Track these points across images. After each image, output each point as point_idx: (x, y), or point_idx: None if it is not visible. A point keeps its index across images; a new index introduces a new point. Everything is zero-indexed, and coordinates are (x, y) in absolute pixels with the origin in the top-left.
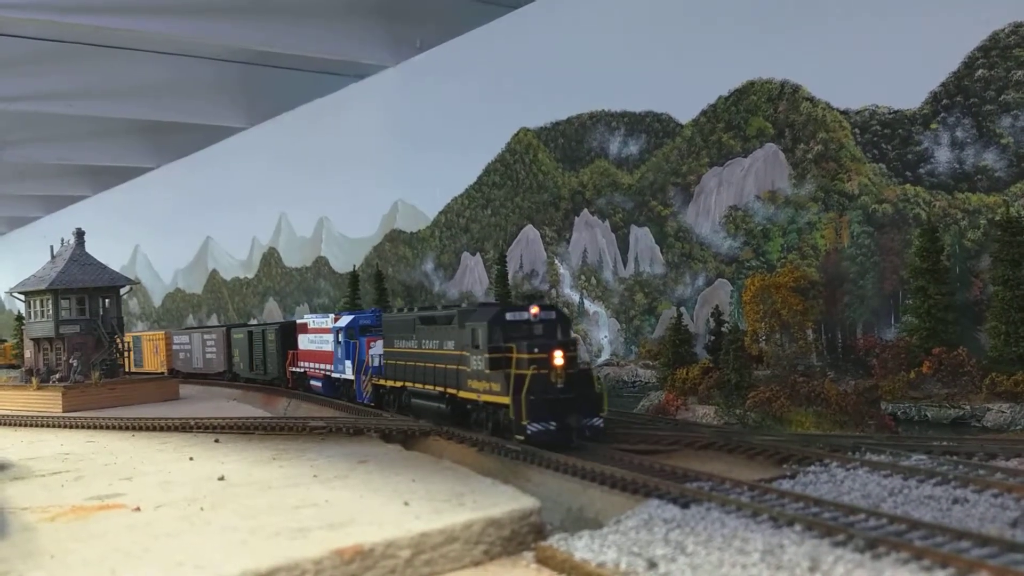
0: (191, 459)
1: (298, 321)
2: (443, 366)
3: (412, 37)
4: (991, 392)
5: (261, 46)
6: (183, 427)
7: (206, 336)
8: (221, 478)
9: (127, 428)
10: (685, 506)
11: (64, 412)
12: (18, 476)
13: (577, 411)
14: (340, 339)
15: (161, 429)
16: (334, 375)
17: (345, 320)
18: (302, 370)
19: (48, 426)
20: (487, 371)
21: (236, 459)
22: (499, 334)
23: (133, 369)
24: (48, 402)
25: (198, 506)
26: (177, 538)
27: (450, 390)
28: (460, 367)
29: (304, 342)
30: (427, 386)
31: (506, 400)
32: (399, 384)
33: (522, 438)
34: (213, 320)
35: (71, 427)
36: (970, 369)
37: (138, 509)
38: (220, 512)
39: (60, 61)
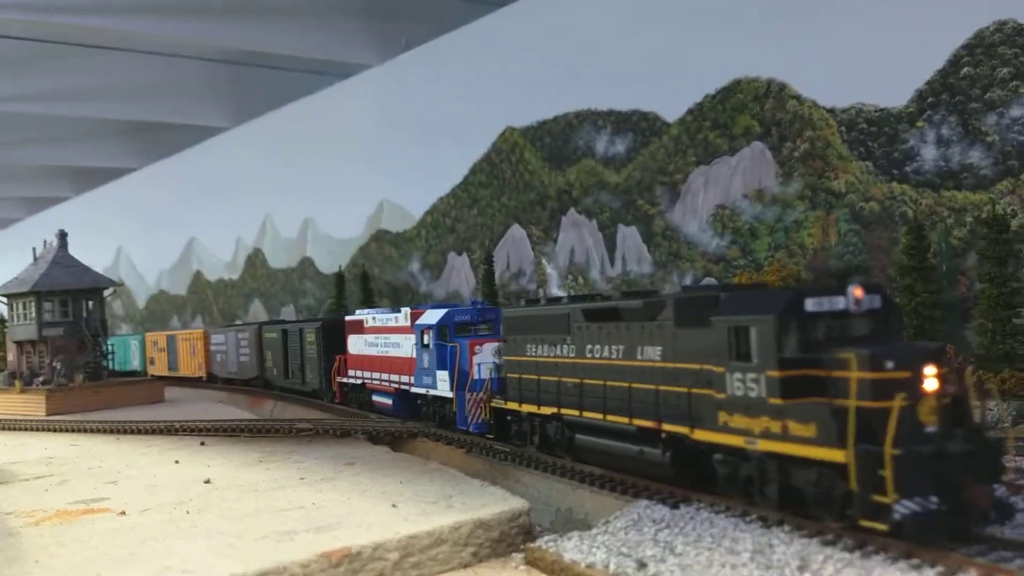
0: (177, 462)
1: (348, 318)
2: (643, 386)
3: (397, 36)
4: (978, 389)
5: (245, 45)
6: (168, 430)
7: (240, 335)
8: (207, 481)
9: (112, 431)
10: (674, 506)
11: (48, 415)
12: (1, 480)
13: (975, 475)
14: (427, 341)
15: (146, 432)
16: (415, 389)
17: (433, 316)
18: (358, 381)
19: (31, 430)
20: (776, 401)
21: (222, 462)
22: (796, 336)
23: (167, 373)
24: (31, 405)
25: (184, 510)
26: (164, 542)
27: (671, 427)
28: (695, 390)
29: (358, 344)
30: (609, 417)
31: (834, 455)
32: (542, 410)
33: (882, 527)
34: (197, 323)
35: (55, 430)
36: (958, 366)
37: (124, 513)
38: (207, 515)
39: (43, 61)
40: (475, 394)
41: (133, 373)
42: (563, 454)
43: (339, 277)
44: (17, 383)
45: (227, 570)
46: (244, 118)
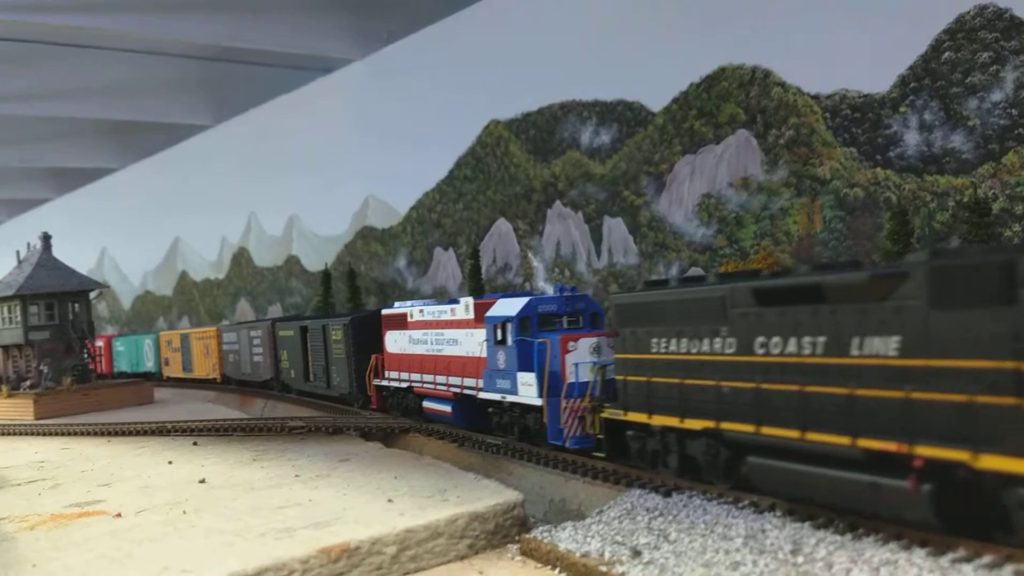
0: (170, 463)
1: (385, 312)
2: (878, 393)
3: (379, 29)
4: None
5: (225, 41)
6: (160, 431)
7: (252, 333)
8: (202, 481)
9: (103, 434)
10: (667, 495)
11: (36, 419)
12: None
13: None
14: (503, 337)
15: (137, 434)
16: (485, 395)
17: (511, 306)
18: (403, 384)
19: (21, 434)
20: None
21: (216, 461)
22: None
23: (182, 375)
24: (19, 410)
25: (180, 510)
26: (161, 543)
27: (933, 451)
28: (983, 399)
29: (399, 342)
30: (810, 435)
31: None
32: (688, 424)
33: None
34: (184, 323)
35: (45, 434)
36: None
37: (119, 515)
38: (203, 515)
39: (20, 62)
40: (572, 401)
41: (147, 376)
42: (716, 480)
43: (325, 275)
44: (4, 388)
45: (227, 568)
46: (226, 116)
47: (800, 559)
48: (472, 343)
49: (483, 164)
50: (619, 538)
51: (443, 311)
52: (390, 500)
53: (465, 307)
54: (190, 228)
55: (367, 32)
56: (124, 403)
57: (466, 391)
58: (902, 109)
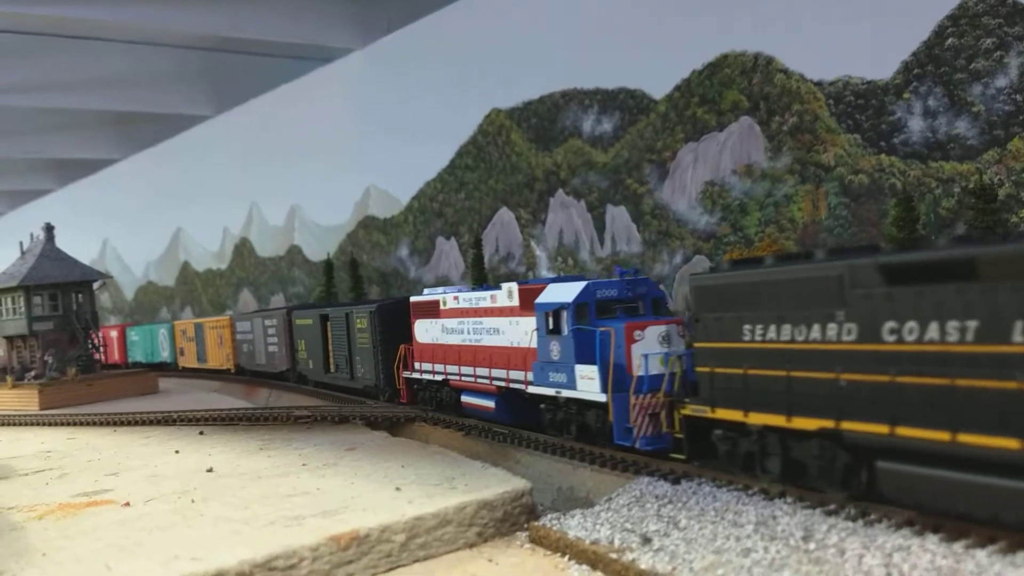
0: (177, 452)
1: (414, 299)
2: None
3: (379, 18)
4: None
5: (225, 32)
6: (166, 420)
7: (267, 323)
8: (209, 470)
9: (108, 423)
10: (676, 482)
11: (42, 410)
12: (1, 476)
13: None
14: (557, 326)
15: (143, 423)
16: (536, 390)
17: (566, 292)
18: (437, 376)
19: (26, 424)
20: None
21: (223, 450)
22: None
23: (196, 365)
24: (24, 400)
25: (189, 498)
26: (170, 531)
27: None
28: None
29: (431, 331)
30: (962, 437)
31: None
32: (796, 423)
33: None
34: (187, 314)
35: (50, 424)
36: None
37: (127, 504)
38: (212, 504)
39: (21, 54)
40: (642, 397)
41: (163, 366)
42: (831, 488)
43: (328, 265)
44: (9, 378)
45: (236, 556)
46: (226, 106)
47: (812, 545)
48: (517, 332)
49: (485, 153)
50: (629, 525)
51: (481, 298)
52: (398, 488)
53: (508, 293)
54: (192, 218)
55: (367, 21)
56: (129, 393)
57: (512, 385)
58: (906, 95)
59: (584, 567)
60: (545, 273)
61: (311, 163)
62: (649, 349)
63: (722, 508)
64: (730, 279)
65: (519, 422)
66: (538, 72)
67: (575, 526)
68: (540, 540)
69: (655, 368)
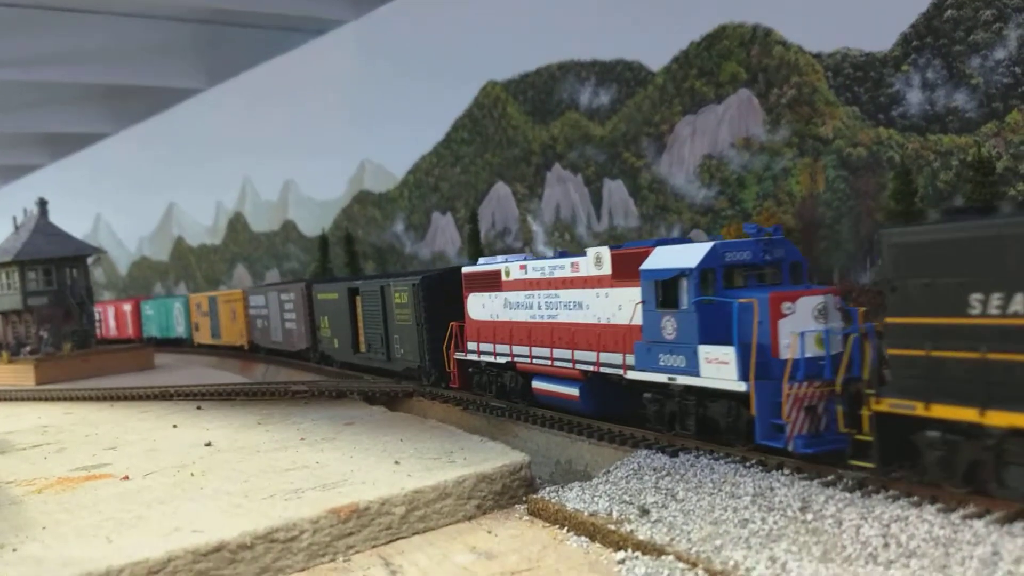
0: (175, 426)
1: (467, 270)
2: None
3: None
4: None
5: (216, 3)
6: (163, 395)
7: (283, 297)
8: (208, 444)
9: (105, 398)
10: (674, 455)
11: (38, 385)
12: None
13: None
14: (673, 297)
15: (141, 398)
16: (639, 375)
17: (684, 255)
18: (502, 359)
19: (23, 399)
20: None
21: (221, 425)
22: None
23: (211, 341)
24: (20, 375)
25: (188, 472)
26: (170, 504)
27: None
28: None
29: (490, 306)
30: None
31: None
32: None
33: None
34: (181, 289)
35: (47, 399)
36: None
37: (127, 478)
38: (211, 477)
39: (12, 27)
40: (798, 386)
41: (178, 342)
42: None
43: (323, 240)
44: (4, 354)
45: (237, 528)
46: (219, 79)
47: (809, 516)
48: (607, 306)
49: (480, 126)
50: (627, 497)
51: (558, 266)
52: (397, 462)
53: (596, 260)
54: (185, 193)
55: None
56: (125, 368)
57: (604, 369)
58: (904, 68)
59: (582, 538)
60: (541, 248)
61: (305, 137)
62: (801, 325)
63: (720, 480)
64: (950, 235)
65: (608, 413)
66: (535, 44)
67: (573, 498)
68: (539, 512)
69: (812, 350)
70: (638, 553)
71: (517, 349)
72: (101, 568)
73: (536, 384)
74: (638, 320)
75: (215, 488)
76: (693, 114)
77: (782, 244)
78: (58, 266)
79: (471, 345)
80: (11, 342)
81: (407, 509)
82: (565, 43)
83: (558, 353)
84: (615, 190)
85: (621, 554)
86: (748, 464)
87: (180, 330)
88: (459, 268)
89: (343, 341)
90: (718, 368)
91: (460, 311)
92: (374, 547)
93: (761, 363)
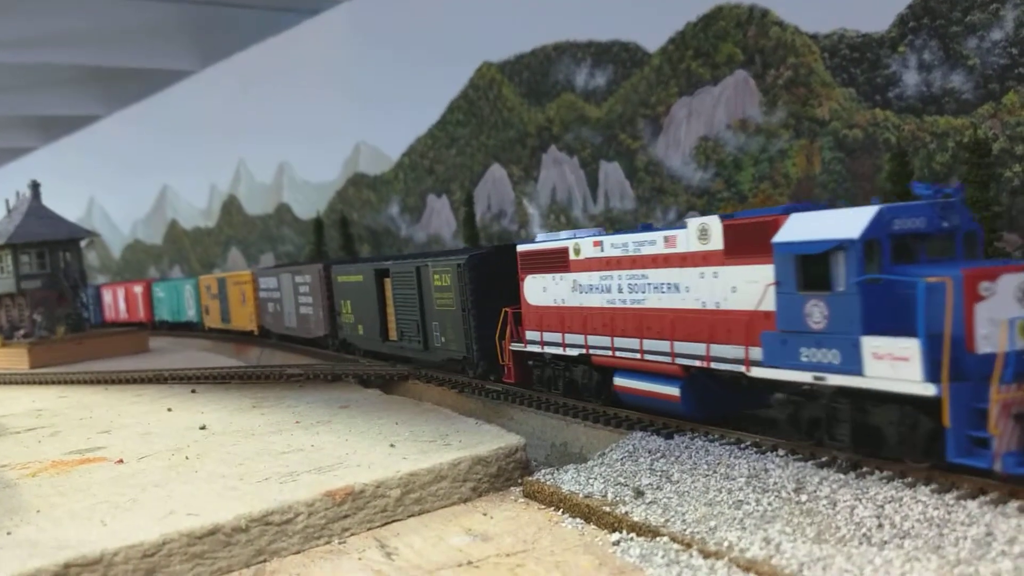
0: (169, 410)
1: (523, 248)
2: None
3: None
4: None
5: None
6: (158, 379)
7: (298, 279)
8: (203, 427)
9: (99, 382)
10: (669, 437)
11: (32, 368)
12: None
13: None
14: (825, 276)
15: (135, 381)
16: (771, 372)
17: (836, 224)
18: (574, 351)
19: (17, 383)
20: None
21: (215, 408)
22: None
23: (221, 325)
24: (14, 359)
25: (183, 455)
26: (165, 487)
27: None
28: None
29: (554, 290)
30: None
31: None
32: None
33: None
34: (176, 272)
35: (41, 383)
36: None
37: (121, 461)
38: (206, 460)
39: (0, 9)
40: (1010, 389)
41: (190, 326)
42: None
43: (317, 223)
44: None
45: (232, 511)
46: (212, 60)
47: (804, 497)
48: (717, 289)
49: (476, 108)
50: (622, 479)
51: (646, 242)
52: (392, 445)
53: (700, 232)
54: (179, 176)
55: None
56: (119, 352)
57: (715, 365)
58: (901, 49)
59: (577, 520)
60: (537, 231)
61: (299, 119)
62: (1003, 311)
63: (715, 462)
64: None
65: (716, 415)
66: (530, 24)
67: (568, 480)
68: (534, 494)
69: (1019, 342)
70: (633, 534)
71: (593, 340)
72: (96, 551)
73: (620, 381)
74: (768, 305)
75: (210, 471)
76: (689, 95)
77: (958, 209)
78: (51, 249)
79: (531, 335)
80: (5, 326)
81: (402, 492)
82: (561, 23)
83: (650, 345)
84: (611, 172)
85: (616, 535)
86: (743, 446)
87: (191, 314)
88: (512, 246)
89: (369, 328)
90: (893, 366)
91: (514, 295)
92: (369, 529)
93: (955, 359)
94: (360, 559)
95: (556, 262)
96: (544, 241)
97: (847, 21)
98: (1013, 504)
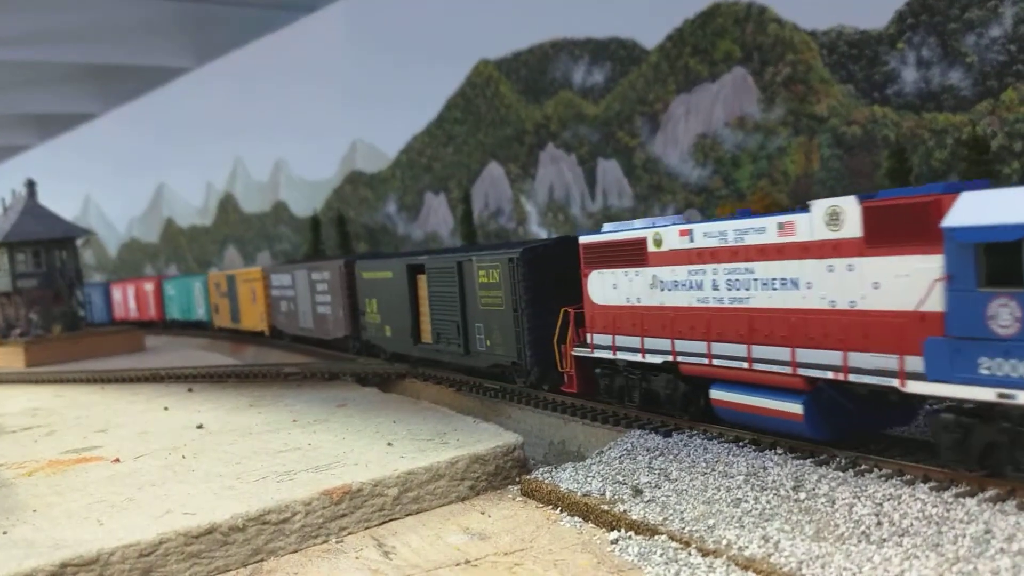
0: (166, 409)
1: (588, 239)
2: None
3: None
4: None
5: None
6: (154, 377)
7: (315, 276)
8: (200, 426)
9: (95, 381)
10: (667, 435)
11: (27, 367)
12: None
13: None
14: (1016, 269)
15: (131, 380)
16: (940, 389)
17: None
18: (655, 359)
19: (12, 382)
20: None
21: (212, 407)
22: None
23: (230, 325)
24: (10, 358)
25: (180, 454)
26: (161, 487)
27: None
28: None
29: (628, 288)
30: None
31: None
32: None
33: None
34: (172, 271)
35: (37, 382)
36: None
37: (117, 460)
38: (203, 459)
39: None
40: None
41: (199, 325)
42: None
43: (314, 221)
44: None
45: (229, 510)
46: (208, 58)
47: (802, 495)
48: (853, 285)
49: (473, 106)
50: (620, 478)
51: (753, 229)
52: (390, 444)
53: (829, 217)
54: (175, 174)
55: None
56: (115, 351)
57: (855, 377)
58: (900, 45)
59: (576, 519)
60: (535, 229)
61: (296, 116)
62: None
63: (713, 460)
64: None
65: (847, 436)
66: (527, 21)
67: (567, 479)
68: (532, 493)
69: None
70: (631, 533)
71: (683, 345)
72: (92, 550)
73: (719, 394)
74: (934, 305)
75: (207, 470)
76: (687, 93)
77: None
78: (47, 248)
79: (599, 339)
80: (1, 324)
81: (400, 490)
82: (558, 21)
83: (760, 352)
84: (609, 170)
85: (614, 534)
86: (741, 444)
87: (201, 312)
88: (572, 238)
89: (398, 329)
90: None
91: (573, 293)
92: (367, 528)
93: None
94: (358, 558)
95: (630, 255)
96: (614, 231)
97: (845, 18)
98: (1012, 502)
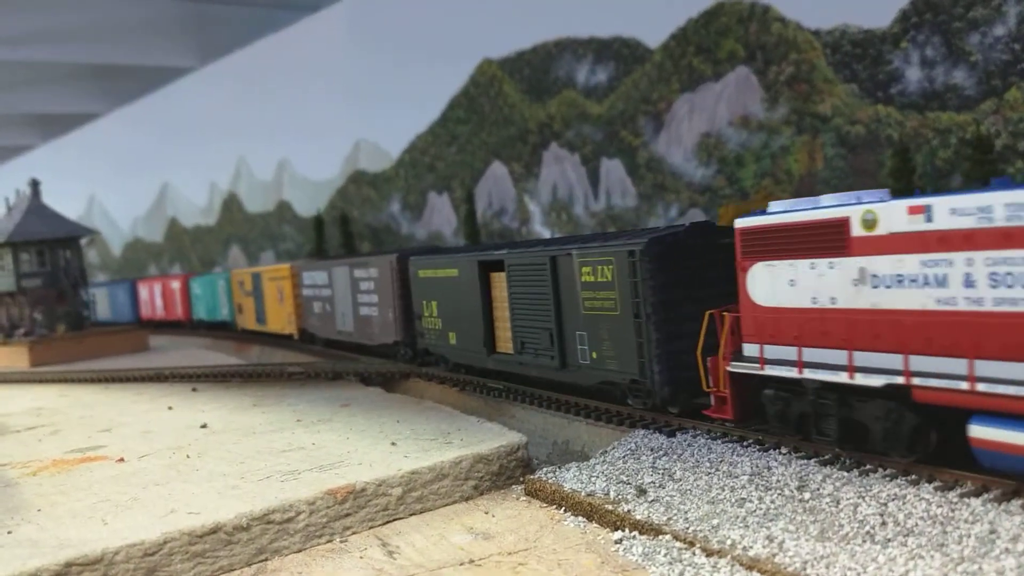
0: (170, 408)
1: (746, 223)
2: None
3: None
4: None
5: None
6: (158, 377)
7: (359, 273)
8: (204, 426)
9: (100, 380)
10: (671, 434)
11: (32, 367)
12: None
13: None
14: None
15: (135, 380)
16: None
17: None
18: (868, 380)
19: (17, 382)
20: None
21: (216, 407)
22: None
23: (255, 327)
24: (14, 357)
25: (184, 454)
26: (166, 486)
27: None
28: None
29: (811, 283)
30: None
31: None
32: None
33: None
34: (176, 270)
35: (41, 381)
36: None
37: (122, 460)
38: (207, 459)
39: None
40: None
41: (224, 326)
42: None
43: (318, 220)
44: None
45: (233, 510)
46: (211, 57)
47: (807, 495)
48: None
49: (476, 105)
50: (624, 477)
51: None
52: (393, 443)
53: None
54: (179, 173)
55: None
56: (119, 350)
57: None
58: (903, 44)
59: (580, 518)
60: (538, 228)
61: (299, 116)
62: None
63: (717, 459)
64: None
65: None
66: (531, 21)
67: (571, 479)
68: (536, 493)
69: None
70: (635, 532)
71: (918, 363)
72: (97, 550)
73: (986, 432)
74: None
75: (211, 470)
76: (691, 92)
77: None
78: (51, 248)
79: (771, 351)
80: (5, 324)
81: (404, 490)
82: (562, 20)
83: None
84: (612, 169)
85: (618, 534)
86: (745, 443)
87: (224, 312)
88: (709, 224)
89: (467, 336)
90: None
91: (718, 293)
92: (371, 528)
93: None
94: (362, 558)
95: (819, 241)
96: (790, 211)
97: (849, 17)
98: (1017, 502)
